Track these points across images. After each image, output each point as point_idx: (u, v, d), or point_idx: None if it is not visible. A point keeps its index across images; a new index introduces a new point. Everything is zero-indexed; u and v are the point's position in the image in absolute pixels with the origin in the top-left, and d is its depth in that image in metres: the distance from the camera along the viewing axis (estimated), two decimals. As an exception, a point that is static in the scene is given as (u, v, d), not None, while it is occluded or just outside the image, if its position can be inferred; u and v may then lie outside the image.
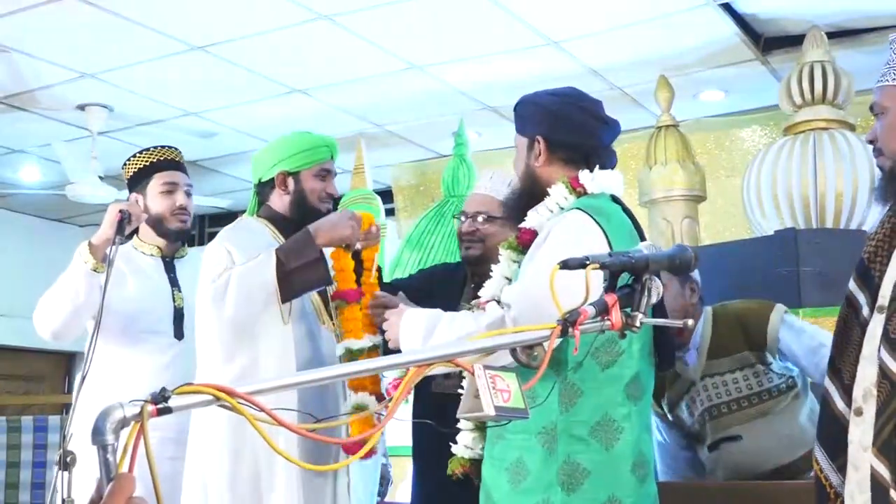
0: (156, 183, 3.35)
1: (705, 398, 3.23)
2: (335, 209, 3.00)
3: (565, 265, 1.54)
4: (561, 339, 1.46)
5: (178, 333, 3.26)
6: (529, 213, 2.45)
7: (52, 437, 6.55)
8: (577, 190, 2.40)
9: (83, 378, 2.83)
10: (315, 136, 3.03)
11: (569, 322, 1.45)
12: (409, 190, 7.48)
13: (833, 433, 2.01)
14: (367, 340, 2.79)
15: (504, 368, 1.40)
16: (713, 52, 5.50)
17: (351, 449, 2.66)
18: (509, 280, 2.42)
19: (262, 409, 1.16)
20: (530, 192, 2.48)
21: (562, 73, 5.62)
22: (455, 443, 2.49)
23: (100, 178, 6.49)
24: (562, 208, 2.40)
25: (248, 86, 5.87)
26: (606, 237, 2.26)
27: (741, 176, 5.26)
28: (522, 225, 2.46)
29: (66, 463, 1.21)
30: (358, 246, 2.86)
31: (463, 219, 3.19)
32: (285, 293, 2.71)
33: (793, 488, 2.86)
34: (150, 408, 1.13)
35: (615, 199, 2.45)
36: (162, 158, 3.38)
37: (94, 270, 3.08)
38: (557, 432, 2.22)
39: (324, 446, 2.71)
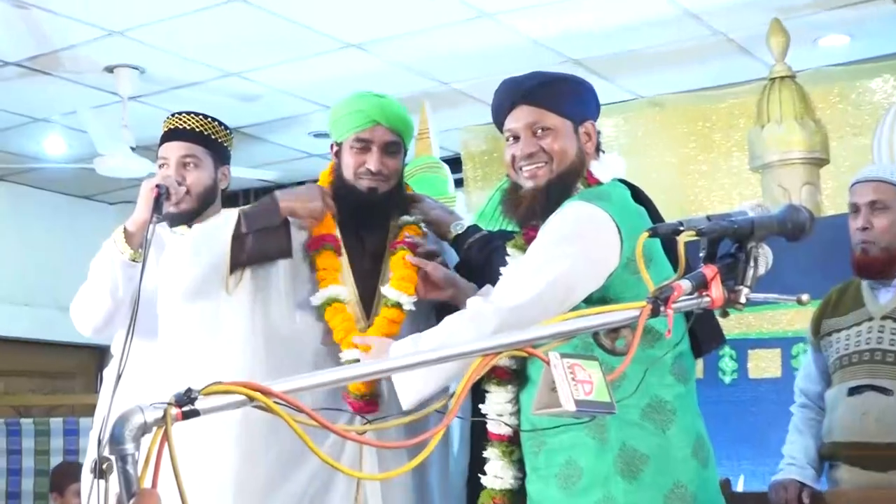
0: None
1: (875, 339, 3.30)
2: (400, 183, 2.99)
3: (655, 232, 1.53)
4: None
5: None
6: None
7: (84, 442, 6.70)
8: (592, 184, 2.56)
9: (118, 376, 2.87)
10: (355, 97, 2.95)
11: (660, 300, 1.44)
12: (480, 157, 7.46)
13: None
14: (340, 288, 2.82)
15: (585, 356, 1.39)
16: (836, -10, 5.40)
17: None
18: None
19: (302, 410, 1.16)
20: (574, 184, 2.58)
21: (655, 17, 5.56)
22: (484, 473, 2.56)
23: (131, 148, 6.58)
24: None
25: (295, 41, 5.90)
26: (613, 219, 2.39)
27: (870, 134, 5.15)
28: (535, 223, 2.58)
29: (102, 470, 1.23)
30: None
31: None
32: (235, 258, 2.75)
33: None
34: (175, 411, 1.13)
35: (624, 182, 2.60)
36: (165, 130, 3.36)
37: (133, 261, 3.09)
38: (608, 419, 2.28)
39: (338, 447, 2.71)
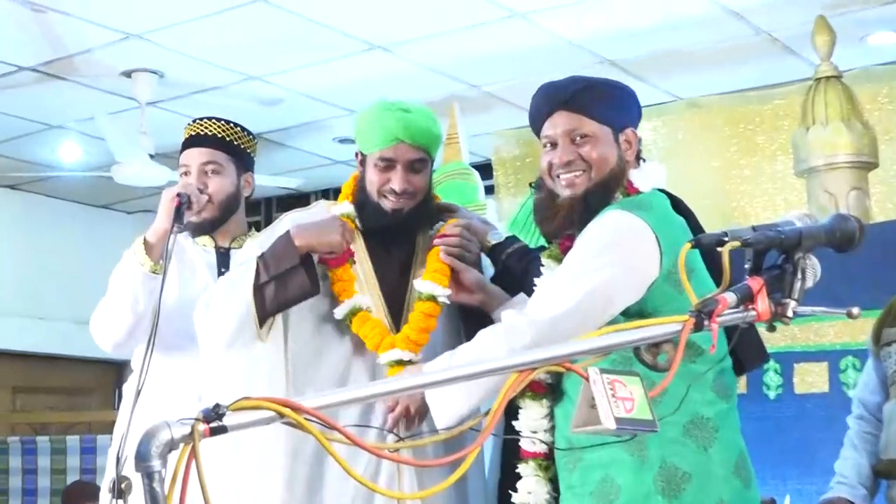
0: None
1: None
2: (427, 197, 2.99)
3: (698, 243, 1.53)
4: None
5: None
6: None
7: (101, 460, 6.74)
8: (631, 193, 2.58)
9: (138, 391, 2.89)
10: (379, 111, 2.91)
11: (704, 313, 1.44)
12: (511, 162, 7.47)
13: None
14: (361, 298, 2.85)
15: (626, 372, 1.39)
16: (884, -15, 5.37)
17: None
18: None
19: (334, 428, 1.17)
20: (613, 193, 2.58)
21: (695, 15, 5.54)
22: (515, 490, 2.57)
23: (150, 156, 6.62)
24: None
25: (319, 43, 5.92)
26: (651, 229, 2.41)
27: (921, 136, 5.13)
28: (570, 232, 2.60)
29: (121, 490, 1.24)
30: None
31: None
32: (261, 310, 2.77)
33: None
34: (202, 427, 1.14)
35: (664, 192, 2.61)
36: (186, 137, 3.37)
37: (153, 272, 3.09)
38: (647, 436, 2.27)
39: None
